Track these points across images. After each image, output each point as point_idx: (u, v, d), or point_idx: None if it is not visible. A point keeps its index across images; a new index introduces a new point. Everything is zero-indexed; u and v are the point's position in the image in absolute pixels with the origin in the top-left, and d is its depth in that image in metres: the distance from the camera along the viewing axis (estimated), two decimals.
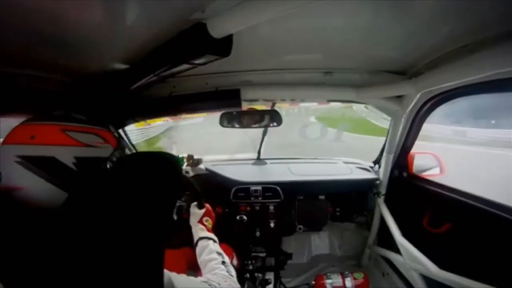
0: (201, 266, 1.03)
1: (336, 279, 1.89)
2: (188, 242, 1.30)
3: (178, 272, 0.80)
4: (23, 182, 0.64)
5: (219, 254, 1.04)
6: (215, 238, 1.16)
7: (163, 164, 0.73)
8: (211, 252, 1.04)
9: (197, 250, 1.09)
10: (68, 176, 0.68)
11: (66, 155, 0.67)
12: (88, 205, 0.63)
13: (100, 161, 0.74)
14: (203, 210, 1.28)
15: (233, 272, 0.97)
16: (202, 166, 1.99)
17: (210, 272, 0.94)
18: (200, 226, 1.21)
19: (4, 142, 0.68)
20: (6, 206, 0.64)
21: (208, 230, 1.21)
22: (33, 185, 0.65)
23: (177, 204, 1.45)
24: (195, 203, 1.31)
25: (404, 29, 0.92)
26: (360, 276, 1.90)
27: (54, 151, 0.66)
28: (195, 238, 1.14)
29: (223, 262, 0.99)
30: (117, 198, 0.63)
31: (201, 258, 1.04)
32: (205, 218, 1.26)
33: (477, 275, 1.17)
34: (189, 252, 1.43)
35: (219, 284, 0.83)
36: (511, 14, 0.74)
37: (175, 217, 1.42)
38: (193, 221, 1.24)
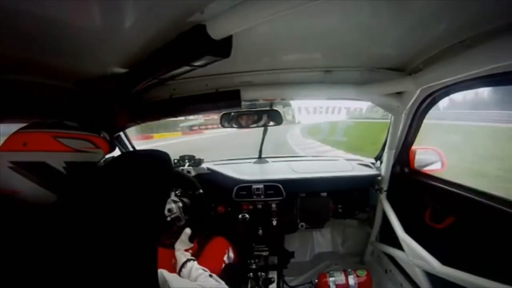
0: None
1: (339, 277, 1.89)
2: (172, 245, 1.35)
3: (172, 271, 0.81)
4: (17, 186, 0.68)
5: (205, 270, 1.11)
6: (195, 259, 1.25)
7: (153, 162, 0.74)
8: (198, 269, 1.11)
9: (185, 270, 1.15)
10: (59, 180, 0.71)
11: (57, 160, 0.71)
12: (80, 205, 0.65)
13: (90, 165, 0.77)
14: (191, 245, 1.36)
15: (222, 282, 1.03)
16: (203, 165, 2.00)
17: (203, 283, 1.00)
18: (186, 253, 1.28)
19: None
20: (1, 209, 0.66)
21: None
22: (26, 189, 0.68)
23: (177, 214, 1.48)
24: (189, 232, 1.37)
25: (402, 27, 0.93)
26: (363, 273, 1.91)
27: (45, 156, 0.69)
28: (182, 260, 1.21)
29: (210, 275, 1.06)
30: (108, 196, 0.65)
31: (191, 277, 1.10)
32: (190, 251, 1.34)
33: (480, 271, 1.17)
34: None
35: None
36: (505, 9, 0.74)
37: (168, 218, 1.45)
38: (180, 247, 1.31)
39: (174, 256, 1.27)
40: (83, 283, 0.55)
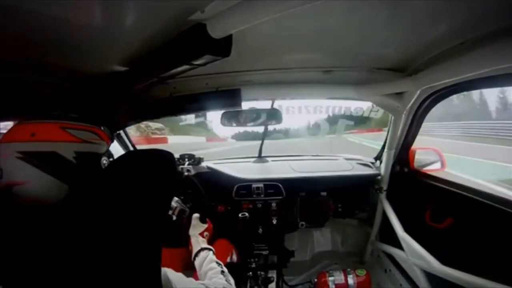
0: (201, 277, 1.07)
1: (338, 276, 1.90)
2: (184, 243, 1.33)
3: (179, 270, 0.81)
4: (26, 176, 0.66)
5: (218, 264, 1.08)
6: (213, 249, 1.21)
7: (157, 161, 0.74)
8: (211, 262, 1.09)
9: (198, 260, 1.13)
10: (70, 170, 0.70)
11: (67, 150, 0.70)
12: (85, 204, 0.64)
13: (97, 156, 0.77)
14: (205, 225, 1.33)
15: (232, 281, 1.00)
16: (203, 164, 2.00)
17: (210, 280, 0.98)
18: (201, 238, 1.26)
19: (3, 140, 0.69)
20: (4, 205, 0.65)
21: (207, 242, 1.28)
22: (36, 179, 0.66)
23: (180, 207, 1.47)
24: (198, 215, 1.35)
25: (402, 28, 0.93)
26: (362, 272, 1.91)
27: (55, 146, 0.69)
28: (196, 248, 1.18)
29: (222, 272, 1.03)
30: (113, 195, 0.64)
31: (202, 269, 1.08)
32: (205, 233, 1.31)
33: (480, 271, 1.17)
34: (185, 252, 1.46)
35: None
36: (507, 10, 0.74)
37: (174, 217, 1.44)
38: (194, 232, 1.28)
39: (181, 254, 1.25)
40: (85, 281, 0.55)
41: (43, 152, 0.67)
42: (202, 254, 1.14)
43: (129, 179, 0.68)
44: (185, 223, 1.39)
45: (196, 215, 1.35)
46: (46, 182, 0.67)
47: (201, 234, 1.28)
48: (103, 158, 0.79)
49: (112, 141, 0.87)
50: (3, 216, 0.62)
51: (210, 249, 1.18)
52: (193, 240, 1.25)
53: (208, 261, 1.09)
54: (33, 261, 0.56)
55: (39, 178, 0.67)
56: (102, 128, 0.82)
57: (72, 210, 0.64)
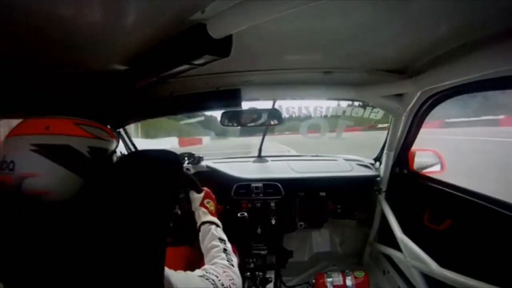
0: (204, 254, 1.03)
1: (337, 278, 1.90)
2: (187, 241, 1.30)
3: (179, 268, 0.80)
4: (40, 169, 0.66)
5: (221, 240, 1.03)
6: (218, 222, 1.15)
7: (162, 162, 0.74)
8: (213, 238, 1.04)
9: (200, 236, 1.09)
10: (85, 163, 0.70)
11: (81, 144, 0.70)
12: (93, 201, 0.64)
13: (109, 152, 0.78)
14: (202, 194, 1.26)
15: (235, 261, 0.97)
16: (203, 163, 2.00)
17: (210, 262, 0.95)
18: (203, 210, 1.20)
19: (15, 133, 0.69)
20: (16, 197, 0.64)
21: (211, 213, 1.20)
22: (50, 171, 0.66)
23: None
24: (193, 190, 1.30)
25: (403, 28, 0.92)
26: (360, 274, 1.91)
27: (69, 140, 0.69)
28: (198, 223, 1.13)
29: (225, 250, 0.99)
30: (118, 196, 0.64)
31: (204, 246, 1.04)
32: (206, 200, 1.24)
33: (478, 273, 1.17)
34: (188, 251, 1.44)
35: (217, 277, 0.83)
36: (509, 12, 0.74)
37: (179, 212, 1.42)
38: (195, 205, 1.22)
39: (184, 253, 1.21)
40: (87, 282, 0.55)
41: (58, 145, 0.67)
42: (203, 228, 1.10)
43: (134, 180, 0.67)
44: (190, 208, 1.35)
45: (191, 191, 1.28)
46: (61, 175, 0.67)
47: (202, 204, 1.22)
48: (114, 155, 0.80)
49: (118, 140, 0.87)
50: (14, 210, 0.61)
51: (212, 222, 1.12)
52: (195, 215, 1.19)
53: (209, 238, 1.05)
54: (35, 257, 0.56)
55: (53, 171, 0.66)
56: (108, 126, 0.83)
57: (81, 207, 0.63)
